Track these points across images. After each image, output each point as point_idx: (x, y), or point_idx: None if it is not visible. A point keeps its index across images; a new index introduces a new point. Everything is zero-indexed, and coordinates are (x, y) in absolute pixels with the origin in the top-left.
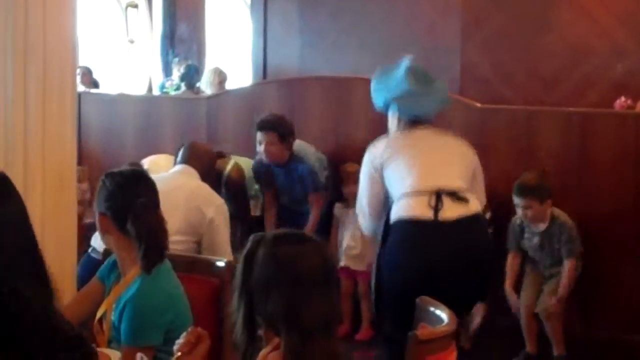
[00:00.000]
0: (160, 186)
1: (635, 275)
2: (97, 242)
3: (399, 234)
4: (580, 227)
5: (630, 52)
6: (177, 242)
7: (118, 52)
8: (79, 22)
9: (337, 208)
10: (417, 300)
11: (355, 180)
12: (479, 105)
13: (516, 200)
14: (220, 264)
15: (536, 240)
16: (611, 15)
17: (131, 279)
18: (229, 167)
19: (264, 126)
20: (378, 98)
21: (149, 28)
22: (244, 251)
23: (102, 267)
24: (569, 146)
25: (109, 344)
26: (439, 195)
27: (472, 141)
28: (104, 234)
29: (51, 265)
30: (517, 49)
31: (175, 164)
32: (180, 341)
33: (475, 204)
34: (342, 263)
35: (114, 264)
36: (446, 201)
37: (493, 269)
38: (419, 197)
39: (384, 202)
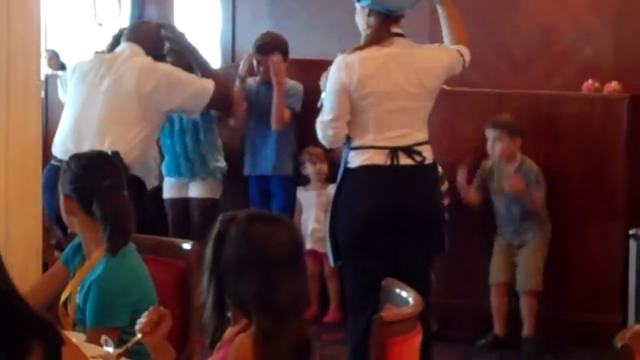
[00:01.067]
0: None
1: (602, 256)
2: None
3: (357, 180)
4: (548, 209)
5: (598, 35)
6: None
7: (86, 35)
8: (47, 5)
9: (300, 191)
10: (383, 282)
11: (321, 161)
12: (447, 87)
13: (488, 132)
14: (187, 246)
15: (505, 184)
16: None
17: (96, 260)
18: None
19: (267, 47)
20: None
21: (118, 11)
22: (214, 231)
23: (66, 250)
24: (537, 129)
25: (74, 327)
26: (396, 151)
27: (440, 125)
28: (68, 216)
29: (15, 249)
30: (485, 31)
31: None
32: (142, 320)
33: (429, 155)
34: (307, 246)
35: (78, 247)
36: (402, 155)
37: (443, 220)
38: (378, 151)
39: (348, 116)
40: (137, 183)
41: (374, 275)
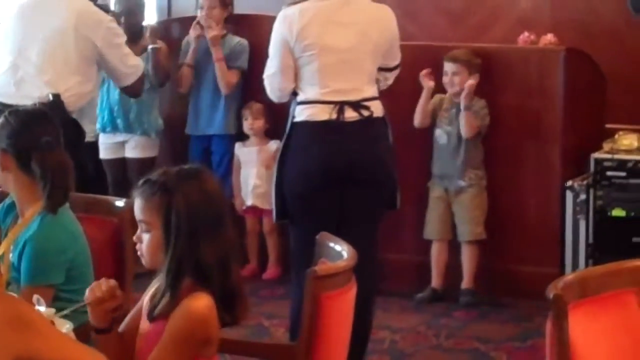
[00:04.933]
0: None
1: (539, 208)
2: None
3: (303, 134)
4: (485, 163)
5: None
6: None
7: None
8: None
9: (238, 147)
10: (317, 236)
11: (258, 117)
12: None
13: (446, 66)
14: (120, 204)
15: (451, 117)
16: None
17: (30, 218)
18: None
19: None
20: None
21: None
22: (151, 193)
23: None
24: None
25: (7, 286)
26: (342, 105)
27: None
28: (2, 170)
29: None
30: None
31: None
32: (94, 289)
33: (378, 110)
34: (248, 202)
35: (10, 206)
36: (349, 110)
37: (391, 176)
38: (324, 105)
39: (292, 69)
40: (75, 127)
41: (320, 230)
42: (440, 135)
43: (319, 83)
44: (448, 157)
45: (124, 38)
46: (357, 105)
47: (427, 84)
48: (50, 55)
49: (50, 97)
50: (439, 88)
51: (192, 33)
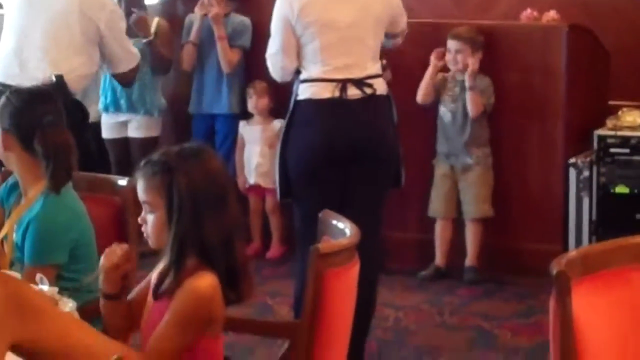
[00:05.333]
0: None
1: (542, 185)
2: None
3: (305, 113)
4: (490, 142)
5: None
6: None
7: None
8: None
9: (242, 126)
10: (320, 214)
11: (262, 95)
12: None
13: (450, 44)
14: (122, 183)
15: (455, 95)
16: None
17: (34, 197)
18: (154, 25)
19: None
20: None
21: None
22: (153, 172)
23: (0, 189)
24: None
25: (11, 266)
26: (345, 83)
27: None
28: (5, 151)
29: None
30: None
31: None
32: (108, 254)
33: (381, 87)
34: (251, 181)
35: (13, 186)
36: (351, 87)
37: (395, 153)
38: (327, 84)
39: (295, 48)
40: (79, 109)
41: (324, 207)
42: (445, 113)
43: (321, 61)
44: (453, 135)
45: (125, 24)
46: (360, 83)
47: (435, 62)
48: (54, 37)
49: (53, 78)
50: (442, 67)
51: (198, 11)
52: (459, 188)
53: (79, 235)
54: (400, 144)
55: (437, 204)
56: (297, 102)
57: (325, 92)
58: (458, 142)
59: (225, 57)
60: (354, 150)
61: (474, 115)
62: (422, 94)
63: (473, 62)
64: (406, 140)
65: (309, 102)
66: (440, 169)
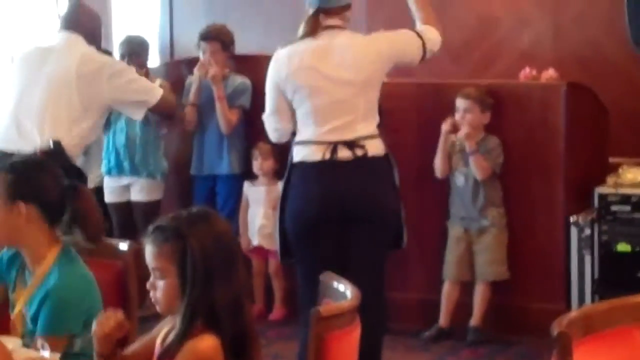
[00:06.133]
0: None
1: (544, 244)
2: None
3: (298, 175)
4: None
5: (535, 22)
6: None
7: (21, 33)
8: None
9: (247, 187)
10: (321, 276)
11: (267, 157)
12: (385, 79)
13: (459, 102)
14: (123, 247)
15: (466, 158)
16: None
17: (47, 268)
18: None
19: (207, 35)
20: None
21: (54, 8)
22: (164, 238)
23: None
24: None
25: (22, 339)
26: (336, 145)
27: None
28: (26, 223)
29: None
30: None
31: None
32: (102, 323)
33: (375, 148)
34: (254, 242)
35: (11, 259)
36: (342, 149)
37: (389, 214)
38: (318, 146)
39: (287, 111)
40: (77, 174)
41: (322, 269)
42: (458, 177)
43: (312, 123)
44: (467, 199)
45: (129, 72)
46: (351, 145)
47: (445, 132)
48: (52, 103)
49: (51, 145)
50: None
51: (197, 71)
52: (474, 250)
53: (91, 305)
54: (403, 206)
55: (450, 267)
56: (292, 165)
57: (317, 154)
58: (472, 205)
59: (224, 117)
60: (346, 211)
61: (482, 179)
62: (440, 169)
63: (466, 126)
64: (414, 200)
65: (302, 164)
66: (454, 231)
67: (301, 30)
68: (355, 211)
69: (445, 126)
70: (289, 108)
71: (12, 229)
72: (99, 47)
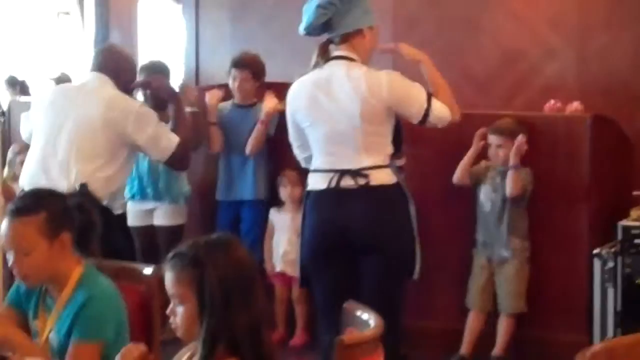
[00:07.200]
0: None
1: (567, 276)
2: None
3: (310, 203)
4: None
5: (560, 54)
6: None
7: (51, 60)
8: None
9: (273, 213)
10: (344, 305)
11: (295, 184)
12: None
13: (491, 138)
14: (147, 271)
15: (495, 184)
16: (541, 17)
17: (71, 290)
18: None
19: (239, 63)
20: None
21: (82, 35)
22: (186, 269)
23: (12, 293)
24: None
25: None
26: (342, 174)
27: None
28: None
29: None
30: (449, 53)
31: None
32: (125, 355)
33: (380, 178)
34: (278, 268)
35: (28, 289)
36: (347, 178)
37: (397, 244)
38: (325, 174)
39: (302, 139)
40: (105, 213)
41: (336, 295)
42: (485, 202)
43: (320, 152)
44: (492, 224)
45: (154, 121)
46: (355, 174)
47: (478, 144)
48: (78, 146)
49: (77, 188)
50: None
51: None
52: (495, 280)
53: (121, 315)
54: (412, 235)
55: (474, 296)
56: (307, 193)
57: (323, 182)
58: (496, 232)
59: (258, 141)
60: (350, 240)
61: (511, 195)
62: (459, 174)
63: (520, 143)
64: (440, 228)
65: (310, 193)
66: (479, 259)
67: (312, 60)
68: (361, 240)
69: (476, 138)
70: (303, 136)
71: (55, 264)
72: (128, 89)
